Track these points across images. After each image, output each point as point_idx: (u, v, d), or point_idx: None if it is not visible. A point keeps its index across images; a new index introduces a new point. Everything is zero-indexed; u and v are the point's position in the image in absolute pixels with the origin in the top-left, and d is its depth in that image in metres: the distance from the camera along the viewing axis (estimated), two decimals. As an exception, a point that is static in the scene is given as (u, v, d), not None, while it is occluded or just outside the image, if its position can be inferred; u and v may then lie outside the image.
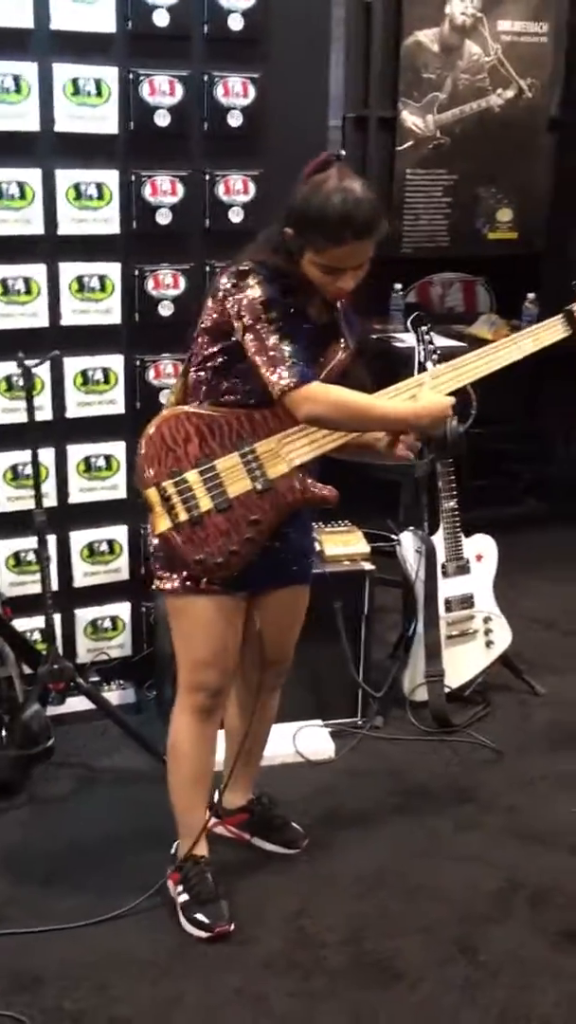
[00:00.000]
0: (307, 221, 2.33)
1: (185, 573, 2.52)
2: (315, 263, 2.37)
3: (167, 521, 2.48)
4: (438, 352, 3.53)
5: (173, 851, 2.81)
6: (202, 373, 2.48)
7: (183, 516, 2.47)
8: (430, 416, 2.45)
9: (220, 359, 2.45)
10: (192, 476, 2.46)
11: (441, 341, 3.62)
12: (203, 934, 2.68)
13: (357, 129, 5.26)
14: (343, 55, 4.93)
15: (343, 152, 2.42)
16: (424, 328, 3.55)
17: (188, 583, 2.53)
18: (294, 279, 2.40)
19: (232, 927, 2.68)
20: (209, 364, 2.47)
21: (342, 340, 2.53)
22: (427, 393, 2.46)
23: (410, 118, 5.33)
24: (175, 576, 2.54)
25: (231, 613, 2.59)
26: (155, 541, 2.55)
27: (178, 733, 2.70)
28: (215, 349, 2.45)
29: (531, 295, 5.21)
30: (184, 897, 2.73)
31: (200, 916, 2.69)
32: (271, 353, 2.34)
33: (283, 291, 2.38)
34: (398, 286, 5.28)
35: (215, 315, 2.43)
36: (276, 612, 2.72)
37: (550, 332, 2.61)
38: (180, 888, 2.74)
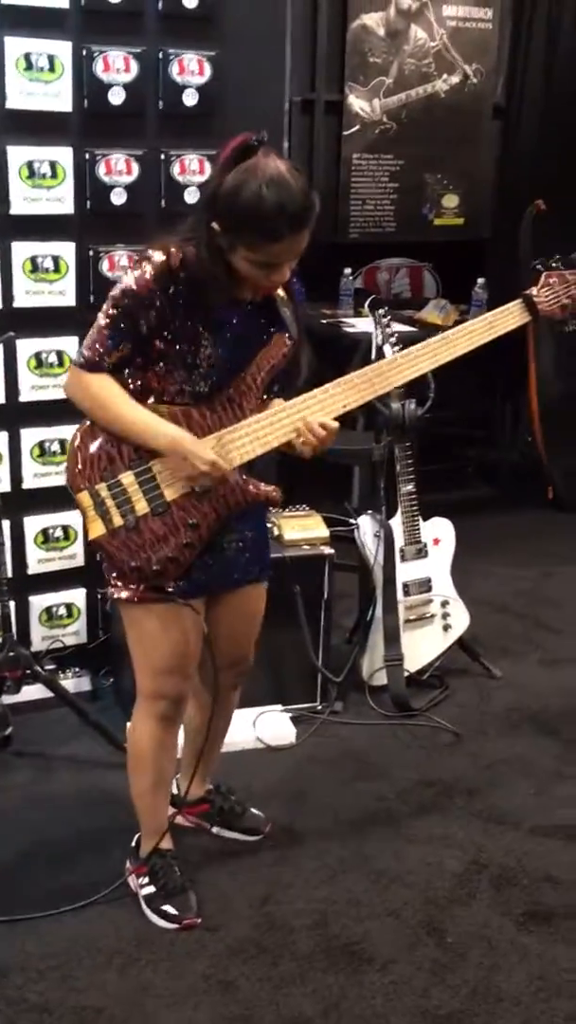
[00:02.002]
0: (238, 219, 2.14)
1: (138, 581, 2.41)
2: (248, 259, 2.19)
3: (101, 527, 2.37)
4: (395, 335, 3.52)
5: (134, 844, 2.77)
6: (128, 370, 2.33)
7: (118, 521, 2.35)
8: (175, 455, 2.29)
9: (136, 357, 2.31)
10: (127, 479, 2.34)
11: (394, 326, 3.60)
12: (171, 926, 2.65)
13: (304, 112, 5.25)
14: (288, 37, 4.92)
15: (264, 134, 2.18)
16: (381, 311, 3.53)
17: (142, 592, 2.42)
18: (219, 271, 2.23)
19: (200, 920, 2.66)
20: (135, 361, 2.31)
21: (286, 333, 2.38)
22: (198, 443, 2.29)
23: (356, 102, 5.33)
24: (128, 584, 2.43)
25: (188, 620, 2.46)
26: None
27: (140, 740, 2.62)
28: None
29: (480, 280, 5.22)
30: (150, 890, 2.69)
31: (167, 908, 2.66)
32: (93, 331, 2.29)
33: (204, 286, 2.22)
34: (348, 271, 5.27)
35: None
36: (235, 613, 2.63)
37: (507, 319, 2.46)
38: (146, 880, 2.70)
